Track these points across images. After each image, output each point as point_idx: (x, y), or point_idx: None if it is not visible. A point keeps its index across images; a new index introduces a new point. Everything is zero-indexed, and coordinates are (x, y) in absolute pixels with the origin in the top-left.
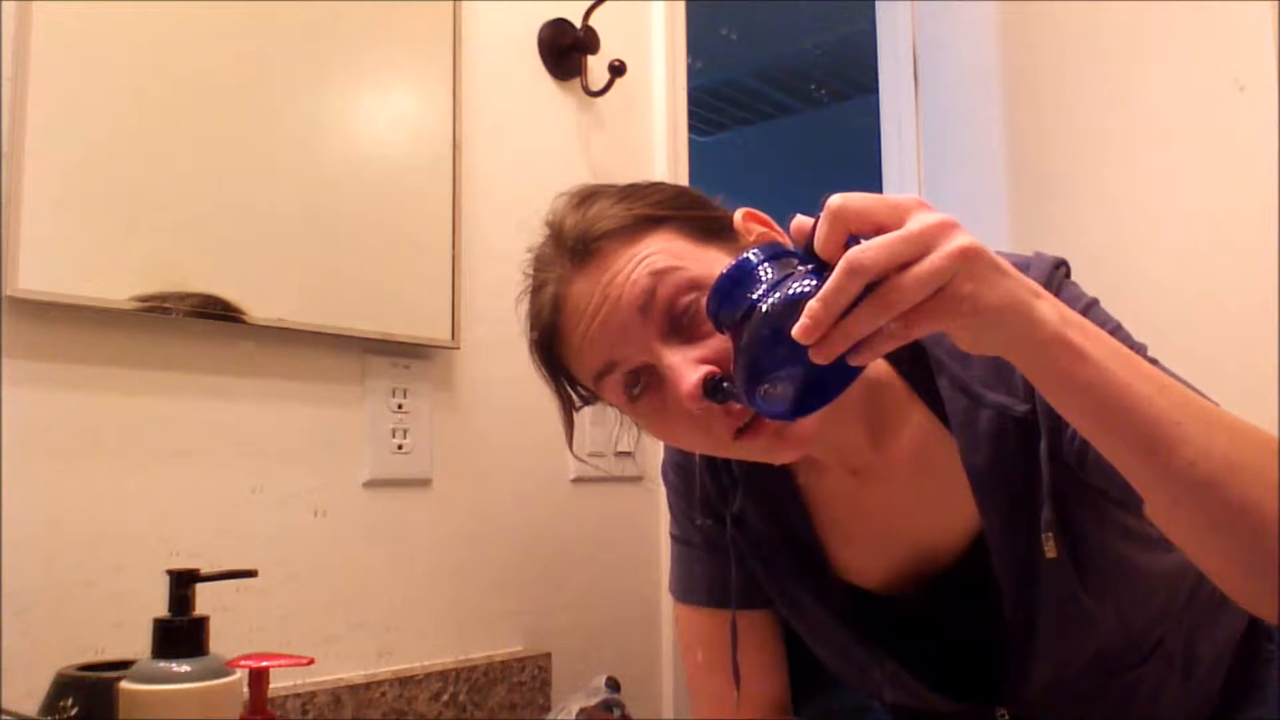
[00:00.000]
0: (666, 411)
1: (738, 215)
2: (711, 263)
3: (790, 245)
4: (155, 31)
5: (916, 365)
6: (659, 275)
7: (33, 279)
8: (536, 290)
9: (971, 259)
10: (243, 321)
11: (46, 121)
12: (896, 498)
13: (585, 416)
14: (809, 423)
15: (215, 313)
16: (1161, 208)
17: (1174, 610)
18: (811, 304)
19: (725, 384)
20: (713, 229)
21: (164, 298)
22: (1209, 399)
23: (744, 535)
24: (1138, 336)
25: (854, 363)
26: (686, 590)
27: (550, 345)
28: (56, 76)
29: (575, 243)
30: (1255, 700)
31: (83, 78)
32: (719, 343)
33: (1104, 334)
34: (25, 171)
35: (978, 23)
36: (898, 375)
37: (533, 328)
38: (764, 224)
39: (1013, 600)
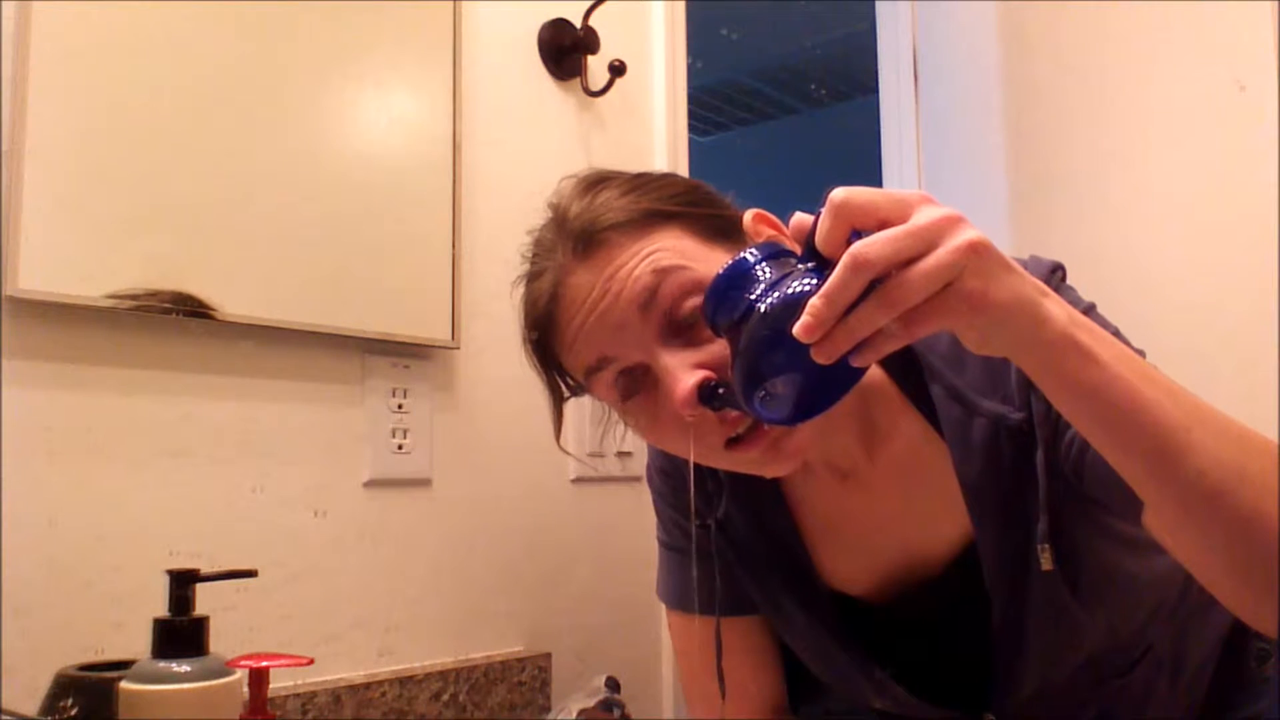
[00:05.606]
0: (658, 414)
1: (747, 217)
2: (718, 264)
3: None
4: (155, 31)
5: (909, 371)
6: (663, 273)
7: (33, 279)
8: (534, 277)
9: (979, 254)
10: (243, 322)
11: (46, 121)
12: (886, 504)
13: (585, 416)
14: (805, 435)
15: (215, 313)
16: (1162, 208)
17: (1163, 613)
18: (814, 301)
19: (721, 390)
20: (722, 229)
21: (164, 297)
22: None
23: (729, 541)
24: (1137, 337)
25: (856, 363)
26: (675, 596)
27: (544, 335)
28: (56, 76)
29: (579, 232)
30: (1244, 700)
31: (83, 78)
32: (718, 349)
33: (1111, 337)
34: (25, 171)
35: (978, 23)
36: (890, 381)
37: (527, 315)
38: (773, 226)
39: (1003, 610)
